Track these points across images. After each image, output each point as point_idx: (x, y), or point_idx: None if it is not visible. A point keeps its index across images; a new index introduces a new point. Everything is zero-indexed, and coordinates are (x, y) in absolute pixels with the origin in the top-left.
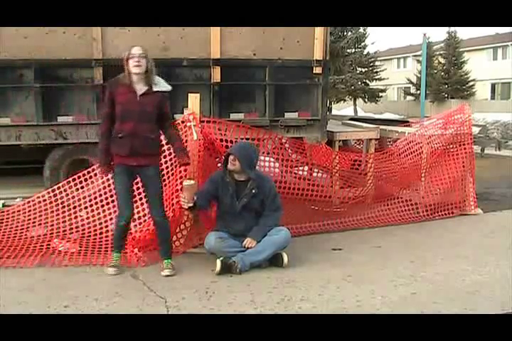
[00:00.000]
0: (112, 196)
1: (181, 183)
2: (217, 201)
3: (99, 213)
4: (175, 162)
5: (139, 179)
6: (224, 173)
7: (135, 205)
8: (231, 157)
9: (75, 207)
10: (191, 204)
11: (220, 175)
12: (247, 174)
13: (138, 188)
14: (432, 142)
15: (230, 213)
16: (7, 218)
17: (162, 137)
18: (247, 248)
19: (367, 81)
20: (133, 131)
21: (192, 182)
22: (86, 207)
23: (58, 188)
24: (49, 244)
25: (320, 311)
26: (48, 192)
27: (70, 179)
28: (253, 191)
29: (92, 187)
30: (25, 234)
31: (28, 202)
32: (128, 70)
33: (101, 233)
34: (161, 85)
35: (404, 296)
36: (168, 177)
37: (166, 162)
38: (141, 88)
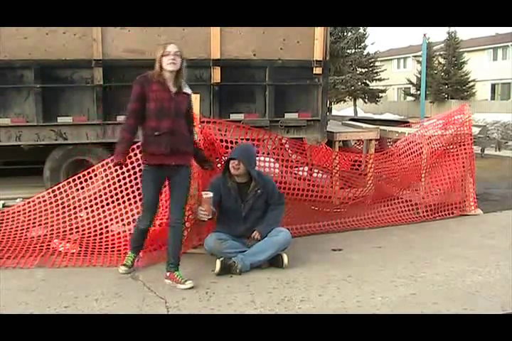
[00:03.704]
0: (112, 196)
1: None
2: (218, 206)
3: (99, 214)
4: None
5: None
6: (224, 178)
7: (136, 205)
8: (234, 162)
9: (75, 208)
10: (210, 216)
11: (220, 180)
12: (250, 175)
13: (138, 189)
14: (432, 142)
15: (234, 216)
16: (7, 218)
17: None
18: (254, 239)
19: (367, 81)
20: (171, 129)
21: (210, 194)
22: (86, 208)
23: (58, 189)
24: (49, 245)
25: (320, 311)
26: (48, 193)
27: (70, 179)
28: (258, 191)
29: (92, 187)
30: (26, 235)
31: (28, 202)
32: (161, 67)
33: (101, 234)
34: (187, 87)
35: (404, 296)
36: None
37: None
38: (173, 86)
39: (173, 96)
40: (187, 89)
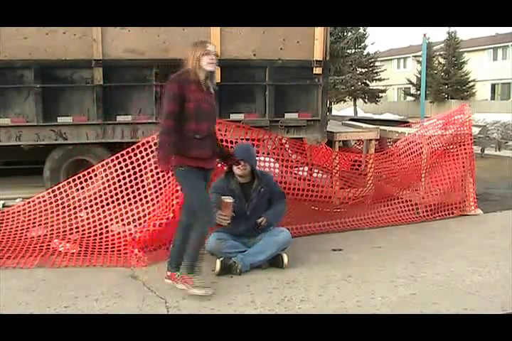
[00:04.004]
0: (112, 196)
1: None
2: None
3: (99, 214)
4: None
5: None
6: (227, 180)
7: (137, 205)
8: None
9: (75, 208)
10: (229, 221)
11: (223, 182)
12: (252, 174)
13: (138, 188)
14: (432, 142)
15: (237, 216)
16: (7, 218)
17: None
18: (260, 225)
19: (367, 81)
20: (209, 132)
21: (231, 199)
22: (86, 208)
23: (58, 189)
24: (49, 245)
25: (320, 311)
26: (48, 193)
27: (70, 179)
28: (261, 190)
29: (92, 187)
30: (26, 235)
31: (28, 202)
32: (199, 66)
33: (101, 234)
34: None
35: (404, 296)
36: (169, 178)
37: None
38: (204, 86)
39: (207, 97)
40: (213, 90)
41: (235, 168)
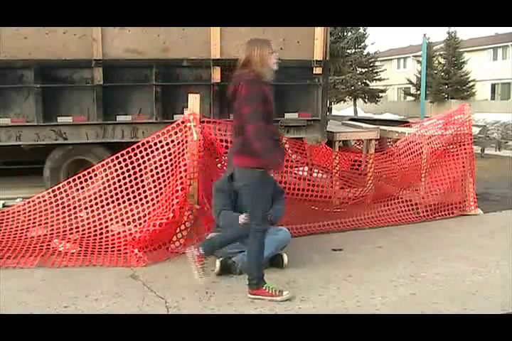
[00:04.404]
0: (112, 196)
1: (181, 184)
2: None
3: (99, 214)
4: (175, 162)
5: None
6: (229, 181)
7: (137, 205)
8: None
9: (75, 208)
10: None
11: (224, 183)
12: None
13: (138, 188)
14: (432, 142)
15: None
16: (7, 218)
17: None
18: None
19: (367, 81)
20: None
21: None
22: (86, 208)
23: (58, 189)
24: (49, 245)
25: (320, 311)
26: (48, 193)
27: (70, 179)
28: None
29: (92, 187)
30: (26, 235)
31: (28, 202)
32: (267, 66)
33: (101, 234)
34: None
35: (404, 296)
36: (169, 178)
37: (166, 162)
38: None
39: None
40: None
41: None
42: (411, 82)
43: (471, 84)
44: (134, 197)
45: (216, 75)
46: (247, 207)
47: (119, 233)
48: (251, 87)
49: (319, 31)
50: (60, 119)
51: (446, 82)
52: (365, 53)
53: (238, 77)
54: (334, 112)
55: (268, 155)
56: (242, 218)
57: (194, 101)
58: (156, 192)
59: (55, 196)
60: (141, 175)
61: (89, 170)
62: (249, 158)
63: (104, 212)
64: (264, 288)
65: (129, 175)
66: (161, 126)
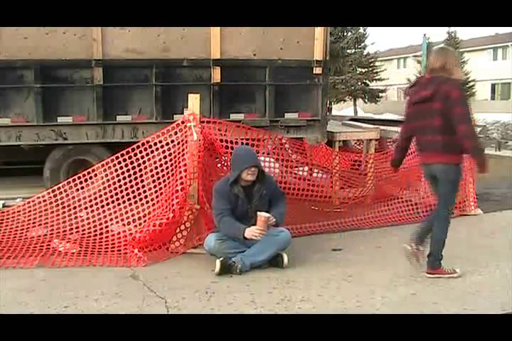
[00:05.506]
0: (112, 196)
1: (181, 184)
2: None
3: (99, 214)
4: (175, 162)
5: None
6: (231, 185)
7: (137, 205)
8: (254, 170)
9: (75, 208)
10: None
11: (225, 186)
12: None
13: (138, 189)
14: None
15: (239, 218)
16: (7, 218)
17: None
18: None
19: (367, 81)
20: None
21: (268, 214)
22: (86, 208)
23: (58, 189)
24: (49, 245)
25: (320, 311)
26: (48, 193)
27: (70, 179)
28: (264, 192)
29: (92, 187)
30: (26, 235)
31: (28, 202)
32: (458, 76)
33: (101, 234)
34: None
35: (404, 296)
36: (168, 178)
37: (166, 162)
38: None
39: None
40: None
41: (245, 174)
42: (411, 82)
43: (471, 84)
44: (134, 197)
45: (216, 75)
46: (439, 195)
47: (119, 233)
48: (461, 90)
49: (319, 31)
50: (60, 119)
51: None
52: (365, 53)
53: (436, 79)
54: (334, 112)
55: (480, 155)
56: (249, 233)
57: (194, 101)
58: (156, 192)
59: (55, 196)
60: (141, 175)
61: (89, 170)
62: (455, 155)
63: (104, 212)
64: (441, 267)
65: (129, 175)
66: (161, 126)
